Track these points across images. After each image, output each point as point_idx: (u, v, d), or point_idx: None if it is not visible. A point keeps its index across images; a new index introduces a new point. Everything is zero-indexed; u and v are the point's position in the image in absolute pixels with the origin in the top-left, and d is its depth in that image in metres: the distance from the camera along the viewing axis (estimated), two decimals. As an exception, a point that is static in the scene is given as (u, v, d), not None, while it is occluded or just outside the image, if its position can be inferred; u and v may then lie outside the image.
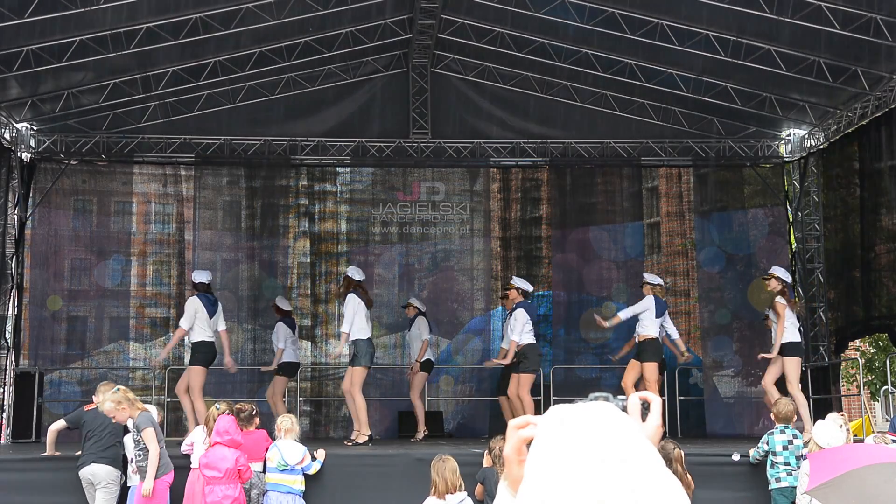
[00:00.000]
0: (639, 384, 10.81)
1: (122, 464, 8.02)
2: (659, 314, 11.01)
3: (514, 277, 12.00)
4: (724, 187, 15.44)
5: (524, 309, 11.01)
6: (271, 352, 14.60)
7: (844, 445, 6.94)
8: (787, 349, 10.19)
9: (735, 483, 8.84)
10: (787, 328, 10.23)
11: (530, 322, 10.98)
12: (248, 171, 14.92)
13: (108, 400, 7.72)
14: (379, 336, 14.36)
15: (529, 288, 11.51)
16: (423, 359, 12.25)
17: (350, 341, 10.38)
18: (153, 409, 8.62)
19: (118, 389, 7.82)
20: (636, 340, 11.11)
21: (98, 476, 7.72)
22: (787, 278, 10.71)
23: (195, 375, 10.32)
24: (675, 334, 11.47)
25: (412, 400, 12.27)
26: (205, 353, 10.46)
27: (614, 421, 1.22)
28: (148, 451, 7.47)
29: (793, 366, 10.17)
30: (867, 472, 3.63)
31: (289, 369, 12.67)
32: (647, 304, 10.96)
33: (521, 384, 10.80)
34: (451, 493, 6.94)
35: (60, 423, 8.44)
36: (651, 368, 10.81)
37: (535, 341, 11.07)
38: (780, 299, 10.26)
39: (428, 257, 15.27)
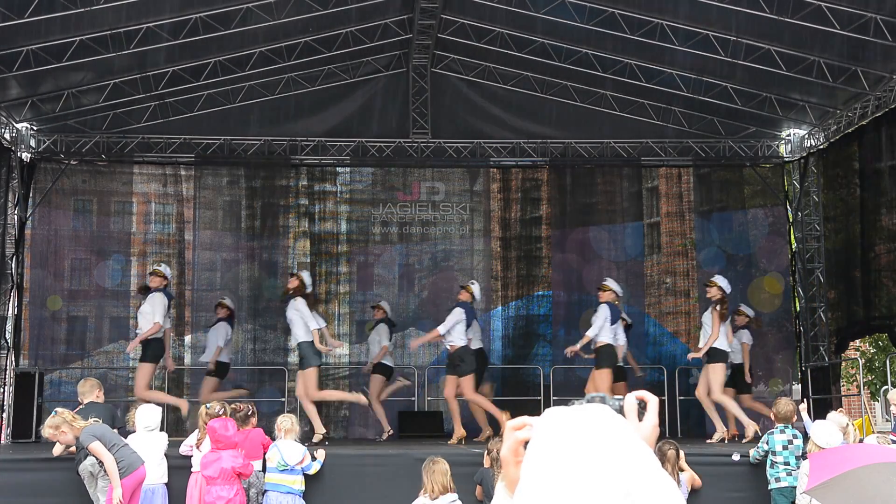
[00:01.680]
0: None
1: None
2: (613, 321, 11.19)
3: (471, 281, 12.03)
4: (724, 187, 15.44)
5: (463, 309, 11.17)
6: (272, 351, 14.64)
7: (844, 445, 6.94)
8: (713, 355, 10.68)
9: (735, 483, 8.84)
10: (719, 336, 10.74)
11: (465, 324, 11.11)
12: (248, 171, 14.92)
13: (46, 426, 7.65)
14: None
15: (478, 293, 11.60)
16: (378, 362, 12.57)
17: (296, 345, 10.56)
18: (154, 409, 8.62)
19: (55, 413, 7.71)
20: (591, 347, 11.23)
21: (91, 467, 7.70)
22: (728, 288, 11.18)
23: (146, 372, 10.43)
24: (623, 343, 11.63)
25: (372, 403, 12.36)
26: (155, 349, 10.70)
27: (609, 424, 1.22)
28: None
29: (717, 372, 10.66)
30: (866, 472, 3.63)
31: (222, 370, 12.69)
32: (605, 313, 11.12)
33: (462, 386, 10.95)
34: (443, 494, 6.95)
35: (60, 447, 8.32)
36: (602, 375, 10.94)
37: (465, 343, 11.18)
38: (718, 307, 10.74)
39: (428, 257, 15.27)
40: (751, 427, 10.55)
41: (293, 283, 10.79)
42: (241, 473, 7.82)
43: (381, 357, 12.66)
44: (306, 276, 11.01)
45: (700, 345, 10.95)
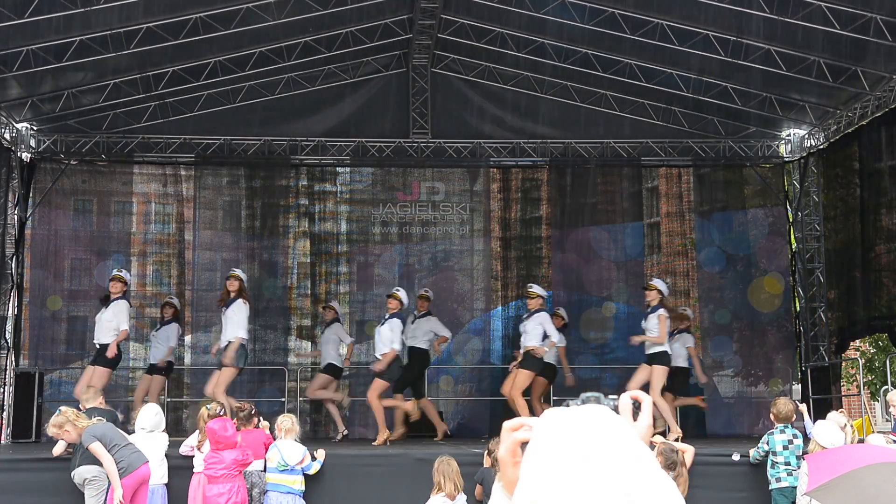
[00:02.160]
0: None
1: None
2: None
3: (396, 287, 12.08)
4: (724, 187, 15.43)
5: (399, 320, 11.33)
6: (272, 352, 14.63)
7: (843, 446, 6.93)
8: (659, 358, 10.84)
9: (735, 483, 8.83)
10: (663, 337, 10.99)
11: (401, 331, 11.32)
12: (248, 171, 14.92)
13: (51, 424, 7.69)
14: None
15: (406, 298, 11.63)
16: (328, 363, 12.60)
17: (225, 343, 10.55)
18: (155, 408, 8.62)
19: (59, 412, 7.74)
20: (521, 350, 11.31)
21: (81, 475, 7.73)
22: (666, 291, 11.43)
23: (102, 377, 10.44)
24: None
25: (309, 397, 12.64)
26: (116, 354, 10.70)
27: (609, 423, 1.22)
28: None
29: (660, 374, 10.83)
30: (866, 473, 3.62)
31: (170, 370, 12.69)
32: (546, 318, 11.28)
33: (373, 388, 11.15)
34: (459, 494, 6.94)
35: (61, 447, 8.33)
36: (523, 377, 11.11)
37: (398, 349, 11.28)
38: (663, 311, 10.97)
39: (428, 257, 15.27)
40: (675, 433, 10.70)
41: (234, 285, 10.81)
42: (242, 464, 7.85)
43: (350, 355, 12.74)
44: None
45: (647, 350, 11.02)
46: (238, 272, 11.04)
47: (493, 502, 1.39)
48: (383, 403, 11.25)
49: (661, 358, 10.93)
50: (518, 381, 11.08)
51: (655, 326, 10.96)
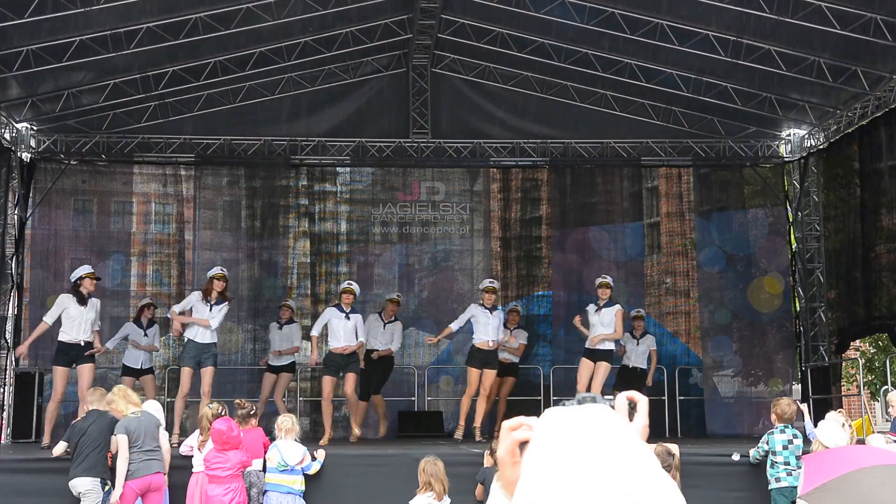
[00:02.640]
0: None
1: (105, 470, 7.91)
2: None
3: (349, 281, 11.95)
4: (724, 187, 15.43)
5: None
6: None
7: (838, 448, 6.92)
8: (607, 355, 11.00)
9: (735, 483, 8.83)
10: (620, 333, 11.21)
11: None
12: (248, 171, 14.92)
13: (104, 397, 7.87)
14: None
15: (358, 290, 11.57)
16: (290, 362, 12.67)
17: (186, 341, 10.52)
18: (155, 404, 8.62)
19: (117, 388, 7.94)
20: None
21: (77, 487, 7.74)
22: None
23: (55, 378, 10.39)
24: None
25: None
26: (65, 353, 10.34)
27: (609, 423, 1.22)
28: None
29: (605, 371, 10.97)
30: (860, 476, 3.61)
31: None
32: (472, 311, 11.34)
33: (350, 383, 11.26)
34: (446, 496, 6.92)
35: (61, 448, 8.32)
36: (470, 373, 11.22)
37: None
38: (619, 308, 11.13)
39: (428, 257, 15.26)
40: None
41: None
42: (245, 464, 7.86)
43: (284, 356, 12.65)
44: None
45: (597, 346, 10.98)
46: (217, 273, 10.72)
47: (492, 502, 1.39)
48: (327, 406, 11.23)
49: (609, 356, 11.06)
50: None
51: (612, 322, 10.96)
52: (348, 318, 10.98)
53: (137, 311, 12.64)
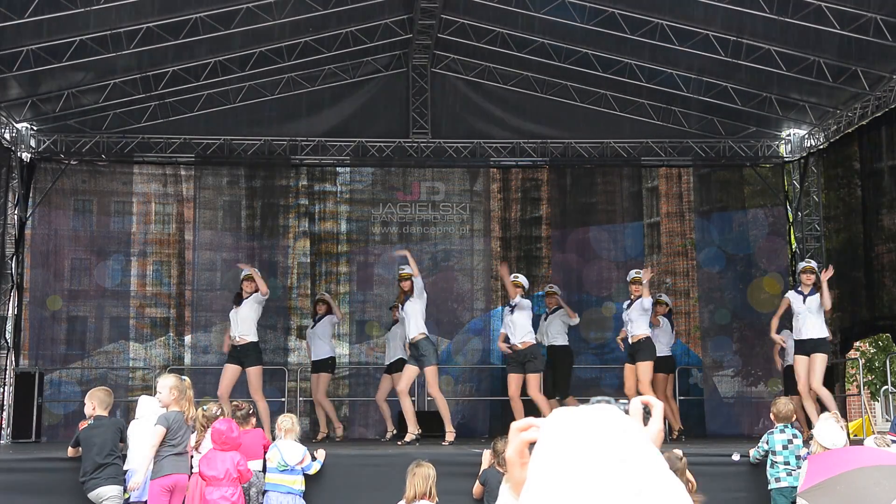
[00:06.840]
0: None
1: (121, 473, 7.92)
2: None
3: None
4: (724, 187, 15.44)
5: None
6: (271, 351, 14.60)
7: (842, 448, 6.92)
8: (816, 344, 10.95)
9: (735, 483, 8.83)
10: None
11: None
12: (248, 171, 14.92)
13: (167, 386, 7.66)
14: (379, 336, 14.38)
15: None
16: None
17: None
18: (152, 401, 8.60)
19: (184, 378, 7.93)
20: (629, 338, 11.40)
21: (103, 496, 7.72)
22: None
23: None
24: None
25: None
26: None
27: (618, 424, 1.22)
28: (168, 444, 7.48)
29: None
30: (856, 476, 3.63)
31: (333, 365, 12.91)
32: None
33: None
34: (419, 500, 6.81)
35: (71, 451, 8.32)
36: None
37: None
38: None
39: (428, 257, 15.25)
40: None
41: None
42: (241, 476, 7.81)
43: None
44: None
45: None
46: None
47: (500, 503, 1.39)
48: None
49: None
50: (644, 375, 10.93)
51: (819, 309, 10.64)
52: (511, 313, 11.19)
53: (314, 307, 12.88)
